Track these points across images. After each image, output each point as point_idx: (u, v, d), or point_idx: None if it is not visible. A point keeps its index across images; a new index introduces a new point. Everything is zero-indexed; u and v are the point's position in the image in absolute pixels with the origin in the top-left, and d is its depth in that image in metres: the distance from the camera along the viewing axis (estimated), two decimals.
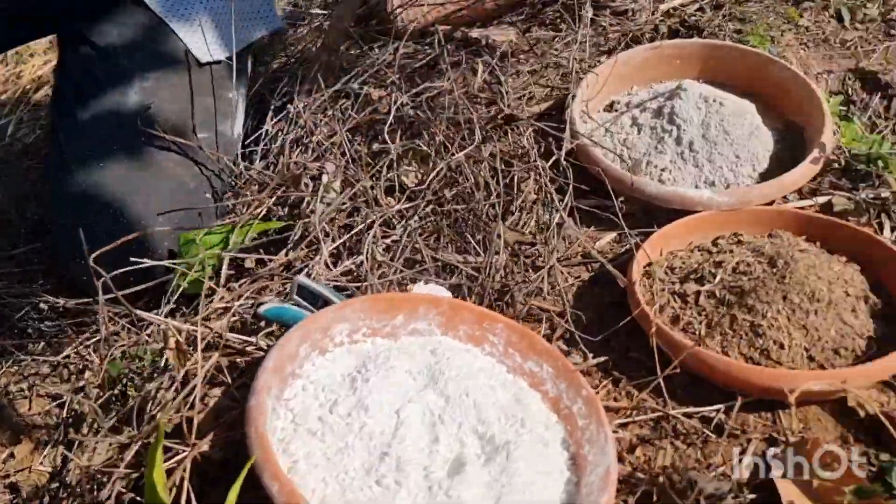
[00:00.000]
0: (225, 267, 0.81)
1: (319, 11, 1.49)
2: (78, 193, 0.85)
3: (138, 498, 0.61)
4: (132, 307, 0.73)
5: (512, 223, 0.87)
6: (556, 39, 1.23)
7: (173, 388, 0.67)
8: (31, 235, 1.03)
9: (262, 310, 0.69)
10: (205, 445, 0.57)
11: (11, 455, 0.82)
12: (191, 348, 0.66)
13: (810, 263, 0.72)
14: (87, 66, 0.91)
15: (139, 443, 0.63)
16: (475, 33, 1.29)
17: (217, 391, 0.64)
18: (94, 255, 0.66)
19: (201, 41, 0.93)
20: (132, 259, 0.75)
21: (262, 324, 0.72)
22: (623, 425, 0.67)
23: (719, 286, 0.75)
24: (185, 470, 0.56)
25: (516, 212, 0.87)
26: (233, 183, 0.96)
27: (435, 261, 0.83)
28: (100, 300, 0.75)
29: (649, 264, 0.82)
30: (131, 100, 0.89)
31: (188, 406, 0.61)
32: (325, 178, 0.85)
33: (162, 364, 0.73)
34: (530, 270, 0.84)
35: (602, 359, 0.72)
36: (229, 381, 0.64)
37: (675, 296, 0.77)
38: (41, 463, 0.81)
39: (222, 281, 0.80)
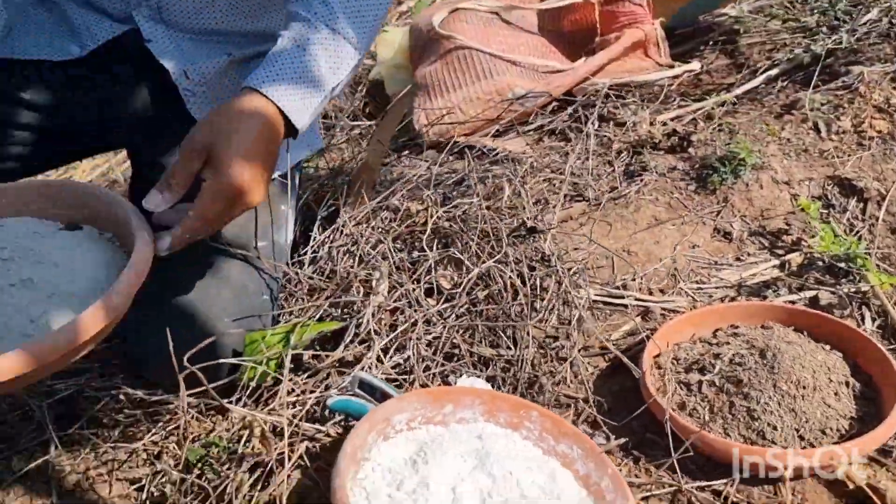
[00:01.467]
0: (287, 363, 0.93)
1: (350, 122, 1.66)
2: (152, 300, 0.97)
3: None
4: (205, 399, 0.85)
5: (537, 320, 0.99)
6: (566, 146, 1.39)
7: (257, 471, 0.78)
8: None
9: (330, 402, 0.80)
10: None
11: None
12: (273, 436, 0.78)
13: (795, 354, 0.84)
14: None
15: None
16: (491, 142, 1.46)
17: (297, 473, 0.74)
18: (176, 355, 0.77)
19: None
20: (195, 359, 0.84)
21: (328, 413, 0.84)
22: (644, 499, 0.78)
23: (718, 376, 0.87)
24: None
25: (541, 310, 0.99)
26: (285, 286, 1.08)
27: (471, 354, 0.95)
28: (181, 393, 0.87)
29: (657, 355, 0.94)
30: None
31: (275, 487, 0.72)
32: (374, 283, 0.98)
33: (239, 450, 0.85)
34: (555, 361, 0.96)
35: (623, 440, 0.84)
36: (307, 464, 0.75)
37: (681, 385, 0.89)
38: None
39: (287, 375, 0.92)
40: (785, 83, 1.45)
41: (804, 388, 0.81)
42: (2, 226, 0.82)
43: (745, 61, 1.59)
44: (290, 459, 0.73)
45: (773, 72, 1.49)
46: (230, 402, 0.87)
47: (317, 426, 0.80)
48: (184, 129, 1.08)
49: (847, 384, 0.85)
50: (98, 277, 0.79)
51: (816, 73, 1.39)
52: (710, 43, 1.75)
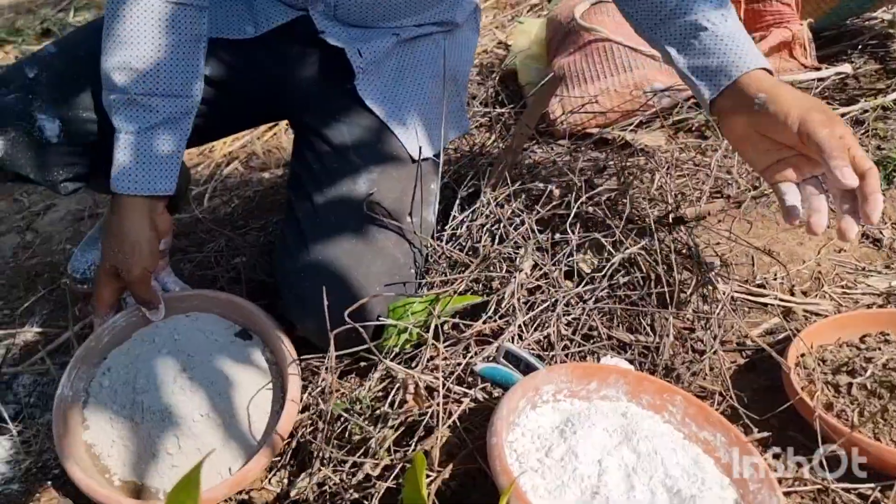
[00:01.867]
0: (431, 331, 0.97)
1: (482, 108, 1.70)
2: (312, 263, 1.03)
3: None
4: (347, 365, 0.90)
5: (677, 310, 0.99)
6: (702, 144, 1.37)
7: (401, 428, 0.83)
8: (257, 294, 1.23)
9: (478, 368, 0.84)
10: (446, 473, 0.72)
11: None
12: (426, 394, 0.82)
13: None
14: (323, 160, 1.11)
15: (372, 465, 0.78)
16: (628, 135, 1.46)
17: (446, 430, 0.78)
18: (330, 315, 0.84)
19: (415, 142, 1.12)
20: (349, 320, 0.91)
21: (474, 379, 0.87)
22: (787, 493, 0.77)
23: (871, 379, 0.85)
24: (432, 494, 0.70)
25: (682, 301, 0.99)
26: (427, 260, 1.12)
27: (609, 338, 0.96)
28: (330, 352, 0.92)
29: (802, 355, 0.92)
30: (360, 189, 1.08)
31: (430, 442, 0.76)
32: (518, 261, 1.00)
33: (385, 407, 0.89)
34: (693, 352, 0.96)
35: (766, 434, 0.83)
36: (457, 423, 0.79)
37: (829, 385, 0.88)
38: (270, 482, 0.97)
39: (430, 341, 0.96)
40: None
41: None
42: (196, 319, 1.10)
43: None
44: (442, 418, 0.77)
45: None
46: (384, 359, 0.92)
47: (464, 389, 0.84)
48: (344, 101, 1.14)
49: None
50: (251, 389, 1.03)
51: None
52: (860, 47, 1.68)
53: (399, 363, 0.98)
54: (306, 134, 1.18)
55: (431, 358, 0.94)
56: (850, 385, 0.86)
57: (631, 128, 1.45)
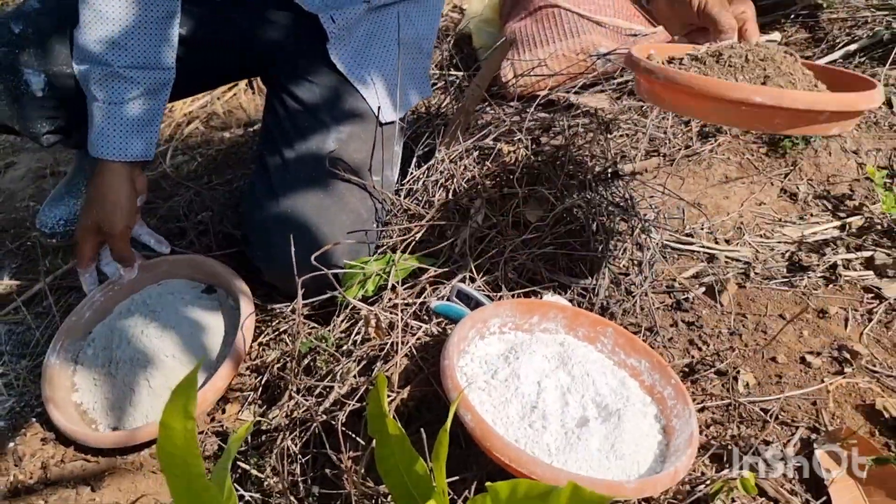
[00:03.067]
0: (391, 276, 1.06)
1: (438, 72, 1.77)
2: (281, 215, 1.11)
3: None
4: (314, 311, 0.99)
5: (612, 256, 1.10)
6: (644, 106, 1.47)
7: (363, 361, 0.92)
8: (224, 245, 1.30)
9: (433, 305, 0.93)
10: (404, 394, 0.81)
11: (223, 410, 1.07)
12: (386, 328, 0.91)
13: None
14: (294, 118, 1.18)
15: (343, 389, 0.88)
16: (574, 97, 1.55)
17: (404, 360, 0.88)
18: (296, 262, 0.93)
19: (378, 105, 1.19)
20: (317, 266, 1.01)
21: (429, 316, 0.96)
22: (699, 410, 0.89)
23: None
24: (392, 411, 0.80)
25: (616, 249, 1.10)
26: (389, 212, 1.21)
27: (551, 281, 1.06)
28: (298, 300, 1.01)
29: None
30: (328, 146, 1.15)
31: (389, 367, 0.85)
32: (472, 212, 1.09)
33: (349, 345, 0.98)
34: (625, 294, 1.07)
35: (685, 361, 0.94)
36: (414, 353, 0.88)
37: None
38: (241, 415, 1.06)
39: (390, 286, 1.05)
40: (863, 59, 1.51)
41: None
42: (165, 284, 1.21)
43: (825, 36, 1.64)
44: (400, 348, 0.86)
45: (852, 47, 1.54)
46: (349, 298, 1.00)
47: (419, 324, 0.93)
48: (316, 63, 1.21)
49: None
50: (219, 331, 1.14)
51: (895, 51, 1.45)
52: (792, 17, 1.79)
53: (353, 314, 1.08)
54: (278, 92, 1.24)
55: (390, 300, 1.03)
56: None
57: (575, 90, 1.54)
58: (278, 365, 1.07)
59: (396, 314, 0.91)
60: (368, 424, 0.76)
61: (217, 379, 1.04)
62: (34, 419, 1.09)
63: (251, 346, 1.13)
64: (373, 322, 0.91)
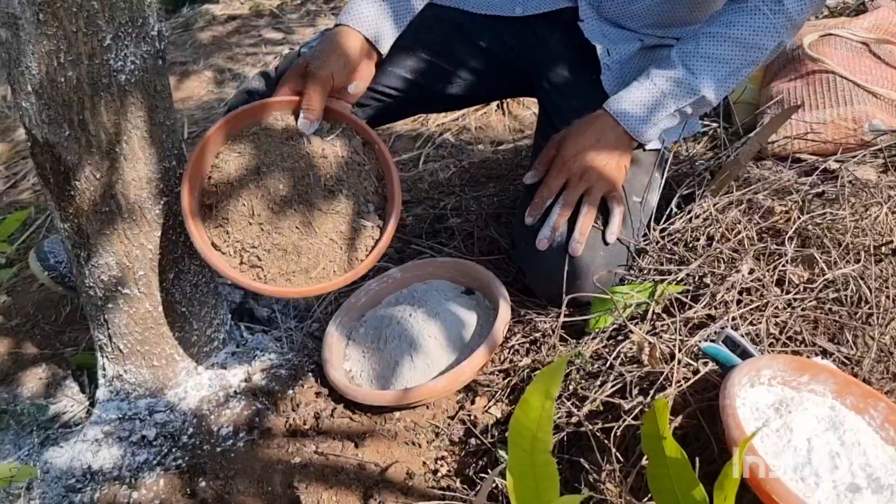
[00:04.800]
0: (651, 310, 1.11)
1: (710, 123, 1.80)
2: (554, 247, 1.21)
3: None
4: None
5: (882, 329, 1.08)
6: None
7: (618, 384, 0.98)
8: (485, 249, 1.42)
9: (703, 346, 0.97)
10: (677, 422, 0.87)
11: (472, 402, 1.17)
12: (661, 358, 0.97)
13: None
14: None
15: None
16: (836, 165, 1.53)
17: (671, 390, 0.93)
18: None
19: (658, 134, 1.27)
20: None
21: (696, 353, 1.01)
22: None
23: None
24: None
25: (887, 322, 1.08)
26: (643, 241, 1.27)
27: (813, 344, 1.07)
28: (561, 313, 1.09)
29: None
30: None
31: (661, 394, 0.91)
32: (739, 262, 1.13)
33: (607, 365, 1.05)
34: (888, 374, 1.05)
35: None
36: (683, 385, 0.93)
37: None
38: (489, 410, 1.15)
39: (649, 318, 1.10)
40: None
41: None
42: (430, 283, 1.32)
43: None
44: (674, 377, 0.92)
45: None
46: (633, 323, 1.07)
47: (688, 360, 0.98)
48: (589, 90, 1.30)
49: None
50: (473, 326, 1.24)
51: None
52: None
53: (606, 339, 1.14)
54: (552, 114, 1.34)
55: (652, 330, 1.08)
56: None
57: (839, 157, 1.52)
58: (528, 371, 1.16)
59: (674, 345, 0.96)
60: (643, 443, 0.82)
61: (475, 357, 1.13)
62: (310, 374, 1.25)
63: (501, 350, 1.23)
64: (647, 349, 0.97)
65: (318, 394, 1.21)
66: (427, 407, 1.17)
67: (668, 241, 1.26)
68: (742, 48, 1.16)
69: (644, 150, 1.28)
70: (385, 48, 1.23)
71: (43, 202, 1.96)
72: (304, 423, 1.17)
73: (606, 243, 1.21)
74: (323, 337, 1.26)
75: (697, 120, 1.38)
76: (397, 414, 1.16)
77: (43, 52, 0.86)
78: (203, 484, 1.08)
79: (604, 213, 1.23)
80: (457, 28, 1.36)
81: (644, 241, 1.27)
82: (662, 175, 1.31)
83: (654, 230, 1.27)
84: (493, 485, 0.97)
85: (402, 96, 1.38)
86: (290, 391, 1.22)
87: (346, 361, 1.25)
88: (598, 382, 1.03)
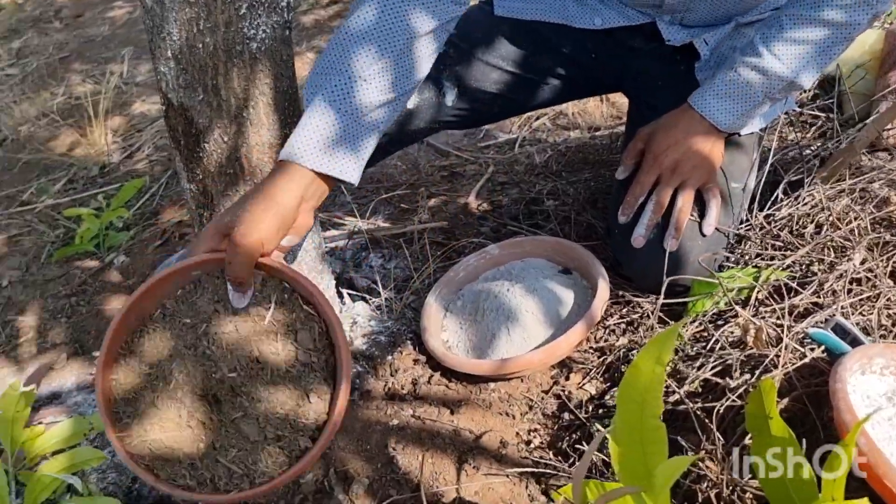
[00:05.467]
0: (755, 294, 1.10)
1: (796, 109, 1.75)
2: (651, 239, 1.20)
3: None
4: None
5: None
6: None
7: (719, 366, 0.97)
8: (583, 234, 1.42)
9: (811, 331, 0.96)
10: (783, 403, 0.86)
11: (566, 377, 1.18)
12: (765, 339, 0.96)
13: None
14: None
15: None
16: None
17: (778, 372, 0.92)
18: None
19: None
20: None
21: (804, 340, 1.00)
22: None
23: None
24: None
25: None
26: (743, 227, 1.25)
27: None
28: (661, 295, 1.08)
29: None
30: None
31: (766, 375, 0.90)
32: (851, 251, 1.10)
33: (707, 348, 1.04)
34: None
35: None
36: (790, 369, 0.92)
37: None
38: (583, 387, 1.16)
39: (752, 302, 1.09)
40: None
41: None
42: (528, 261, 1.33)
43: None
44: (781, 361, 0.91)
45: None
46: (736, 305, 1.07)
47: (794, 345, 0.96)
48: (677, 81, 1.29)
49: None
50: (570, 304, 1.24)
51: None
52: None
53: (708, 322, 1.13)
54: (642, 108, 1.33)
55: (756, 315, 1.07)
56: None
57: None
58: (624, 350, 1.16)
59: (782, 328, 0.95)
60: (748, 422, 0.82)
61: (572, 333, 1.14)
62: (408, 342, 1.28)
63: (597, 329, 1.23)
64: (752, 331, 0.96)
65: (415, 361, 1.25)
66: (521, 380, 1.19)
67: (775, 228, 1.24)
68: (831, 27, 1.09)
69: (740, 134, 1.25)
70: (355, 178, 0.98)
71: (158, 172, 2.07)
72: (402, 388, 1.20)
73: (703, 234, 1.19)
74: (422, 308, 1.30)
75: (793, 100, 1.34)
76: (492, 385, 1.19)
77: (184, 19, 0.92)
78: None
79: (699, 204, 1.22)
80: (538, 39, 1.36)
81: (745, 226, 1.25)
82: (763, 158, 1.28)
83: (759, 216, 1.25)
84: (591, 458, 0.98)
85: (486, 110, 1.40)
86: (389, 357, 1.26)
87: (443, 332, 1.28)
88: (698, 364, 1.03)
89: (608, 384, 1.15)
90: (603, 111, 2.11)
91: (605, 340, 1.22)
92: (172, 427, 0.89)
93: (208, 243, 0.93)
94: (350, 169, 0.97)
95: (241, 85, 0.97)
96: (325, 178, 0.96)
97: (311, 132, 0.94)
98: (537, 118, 2.13)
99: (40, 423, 1.24)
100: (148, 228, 1.82)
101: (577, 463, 1.03)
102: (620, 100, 2.12)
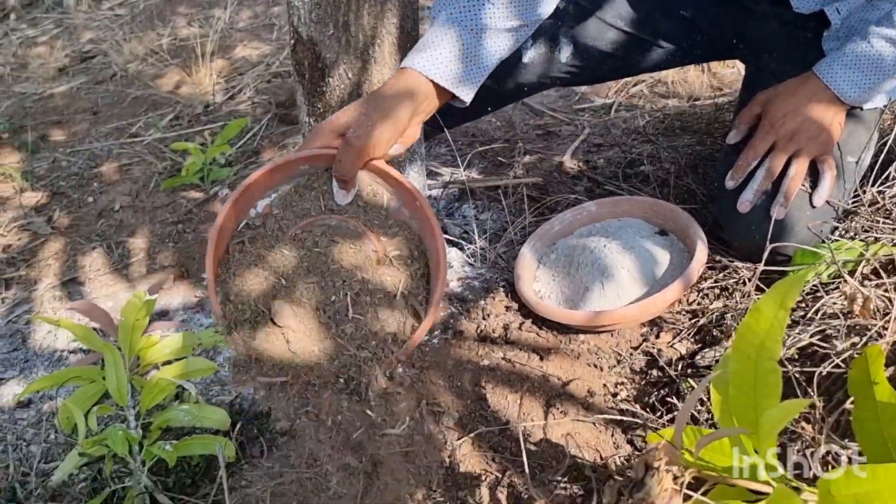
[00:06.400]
0: (860, 268, 1.08)
1: None
2: (757, 206, 1.20)
3: None
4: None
5: None
6: None
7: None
8: (684, 198, 1.42)
9: None
10: (888, 372, 0.86)
11: (657, 336, 1.20)
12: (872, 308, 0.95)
13: None
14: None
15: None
16: None
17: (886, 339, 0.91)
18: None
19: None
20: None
21: None
22: None
23: None
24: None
25: None
26: (852, 203, 1.23)
27: None
28: (762, 262, 1.08)
29: None
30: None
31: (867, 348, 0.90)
32: None
33: (806, 318, 1.04)
34: None
35: None
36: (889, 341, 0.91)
37: None
38: (674, 346, 1.18)
39: (858, 275, 1.08)
40: None
41: None
42: (624, 221, 1.33)
43: None
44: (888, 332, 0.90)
45: None
46: (846, 274, 1.06)
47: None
48: (801, 49, 1.26)
49: None
50: (665, 265, 1.24)
51: None
52: None
53: (806, 294, 1.13)
54: (761, 74, 1.31)
55: (862, 285, 1.06)
56: None
57: None
58: (717, 314, 1.17)
59: (890, 301, 0.94)
60: (850, 387, 0.82)
61: (668, 291, 1.15)
62: (501, 289, 1.32)
63: (691, 291, 1.24)
64: (860, 300, 0.96)
65: (507, 308, 1.28)
66: (611, 334, 1.21)
67: (887, 203, 1.21)
68: None
69: (862, 108, 1.22)
70: (468, 96, 1.03)
71: (259, 114, 2.14)
72: (494, 332, 1.24)
73: (813, 206, 1.18)
74: (515, 258, 1.32)
75: None
76: (581, 336, 1.21)
77: None
78: (400, 370, 1.18)
79: (812, 175, 1.20)
80: (658, 1, 1.36)
81: (854, 201, 1.23)
82: (876, 134, 1.25)
83: (871, 190, 1.23)
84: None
85: (597, 68, 1.40)
86: (482, 301, 1.30)
87: (536, 283, 1.31)
88: (797, 331, 1.03)
89: (699, 346, 1.16)
90: (703, 81, 2.08)
91: (698, 304, 1.23)
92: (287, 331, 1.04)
93: (322, 139, 0.99)
94: (466, 88, 1.01)
95: (371, 23, 1.01)
96: (441, 93, 1.00)
97: (437, 46, 0.98)
98: (635, 84, 2.12)
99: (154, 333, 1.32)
100: (249, 166, 1.90)
101: (665, 416, 1.05)
102: (723, 71, 2.08)
